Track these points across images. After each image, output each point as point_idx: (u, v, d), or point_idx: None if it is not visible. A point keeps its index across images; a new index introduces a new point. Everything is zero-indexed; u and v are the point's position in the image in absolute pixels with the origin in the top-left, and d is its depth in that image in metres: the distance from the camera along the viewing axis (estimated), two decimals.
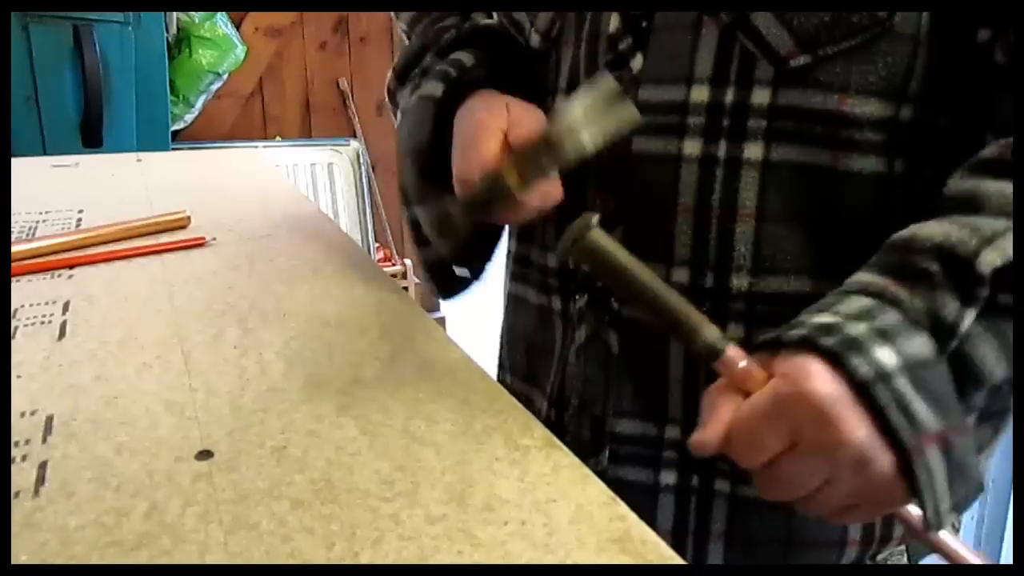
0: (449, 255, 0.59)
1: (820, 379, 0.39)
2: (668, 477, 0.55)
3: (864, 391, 0.38)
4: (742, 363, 0.42)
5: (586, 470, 0.41)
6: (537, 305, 0.63)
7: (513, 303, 0.68)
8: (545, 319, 0.62)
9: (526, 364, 0.66)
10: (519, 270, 0.66)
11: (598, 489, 0.40)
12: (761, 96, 0.49)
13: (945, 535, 0.42)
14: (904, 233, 0.43)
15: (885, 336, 0.39)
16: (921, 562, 0.58)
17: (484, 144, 0.52)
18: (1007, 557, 1.50)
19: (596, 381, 0.57)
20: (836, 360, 0.39)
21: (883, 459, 0.39)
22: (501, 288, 0.72)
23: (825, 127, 0.48)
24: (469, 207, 0.52)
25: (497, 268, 0.72)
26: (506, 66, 0.60)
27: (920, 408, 0.38)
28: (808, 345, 0.40)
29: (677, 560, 0.35)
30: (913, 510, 0.42)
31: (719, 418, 0.42)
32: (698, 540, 0.55)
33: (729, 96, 0.50)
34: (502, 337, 0.71)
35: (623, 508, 0.38)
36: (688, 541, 0.55)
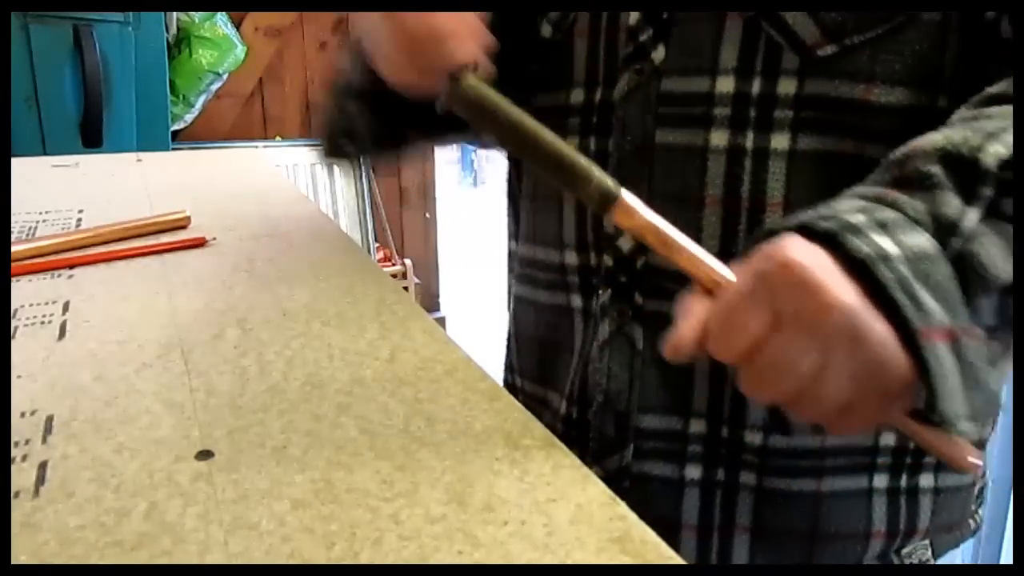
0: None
1: (799, 248, 0.36)
2: (693, 471, 0.55)
3: (863, 269, 0.35)
4: (647, 215, 0.40)
5: (586, 470, 0.41)
6: (550, 305, 0.63)
7: (521, 305, 0.68)
8: (561, 318, 0.62)
9: (540, 366, 0.66)
10: (526, 272, 0.65)
11: (598, 489, 0.40)
12: (787, 86, 0.49)
13: (947, 439, 0.38)
14: (903, 147, 0.41)
15: (884, 227, 0.36)
16: (942, 558, 0.58)
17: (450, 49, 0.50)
18: (1007, 557, 1.50)
19: (620, 376, 0.56)
20: (834, 240, 0.36)
21: (877, 327, 0.35)
22: (502, 289, 0.72)
23: (851, 116, 0.48)
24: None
25: (499, 271, 0.72)
26: (516, 52, 0.59)
27: (925, 296, 0.35)
28: (805, 229, 0.37)
29: (677, 560, 0.35)
30: (927, 433, 0.38)
31: (693, 314, 0.39)
32: (724, 534, 0.55)
33: (755, 87, 0.49)
34: (510, 340, 0.70)
35: (623, 508, 0.38)
36: (714, 535, 0.55)
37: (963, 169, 0.38)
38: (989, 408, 0.37)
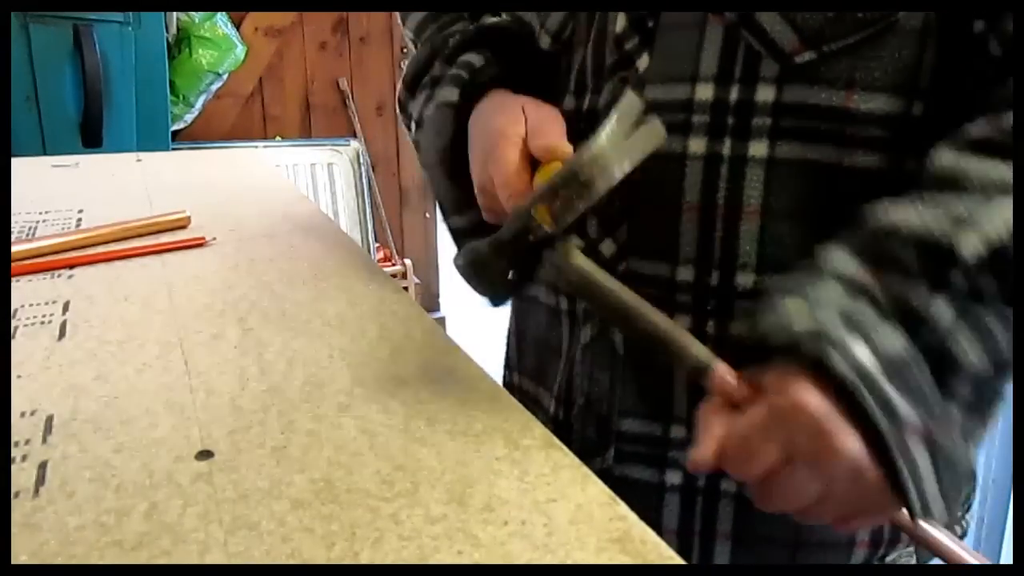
0: (488, 295, 0.57)
1: (812, 394, 0.40)
2: (674, 477, 0.55)
3: (847, 395, 0.39)
4: (730, 378, 0.43)
5: (586, 470, 0.41)
6: (545, 304, 0.63)
7: (520, 303, 0.68)
8: (553, 318, 0.62)
9: (535, 364, 0.66)
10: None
11: (598, 489, 0.40)
12: (766, 94, 0.49)
13: (944, 536, 0.43)
14: (884, 218, 0.44)
15: (859, 329, 0.40)
16: (929, 564, 0.58)
17: (504, 154, 0.51)
18: (1007, 557, 1.50)
19: (602, 380, 0.57)
20: (820, 364, 0.40)
21: (873, 470, 0.40)
22: None
23: (830, 124, 0.48)
24: (499, 248, 0.50)
25: None
26: (517, 64, 0.59)
27: (902, 406, 0.39)
28: (792, 350, 0.41)
29: (677, 560, 0.35)
30: (935, 532, 0.43)
31: (712, 434, 0.43)
32: (704, 540, 0.55)
33: (734, 94, 0.50)
34: (509, 337, 0.71)
35: (623, 508, 0.38)
36: (694, 541, 0.55)
37: (937, 258, 0.41)
38: (961, 484, 0.41)
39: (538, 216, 0.47)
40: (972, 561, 0.43)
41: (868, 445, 0.40)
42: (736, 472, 0.43)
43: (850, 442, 0.40)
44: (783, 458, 0.41)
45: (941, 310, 0.40)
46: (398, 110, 0.69)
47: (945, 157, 0.44)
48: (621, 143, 0.46)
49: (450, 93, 0.58)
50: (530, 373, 0.67)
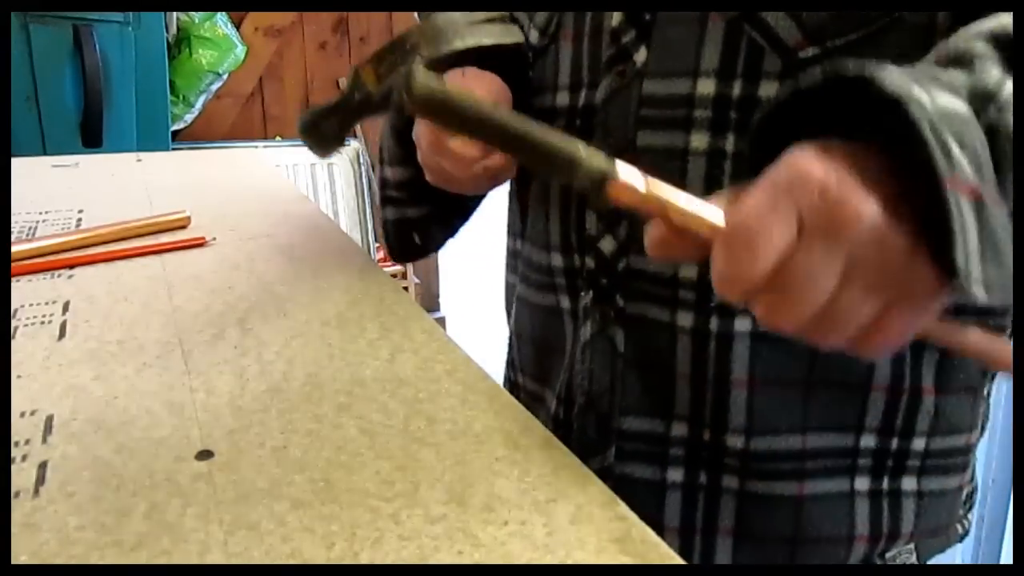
0: (320, 151, 0.63)
1: (817, 161, 0.33)
2: (675, 474, 0.55)
3: (893, 109, 0.32)
4: (640, 182, 0.35)
5: (586, 470, 0.41)
6: (543, 305, 0.63)
7: (520, 303, 0.68)
8: (554, 318, 0.62)
9: (537, 364, 0.66)
10: (522, 270, 0.66)
11: (598, 489, 0.40)
12: (769, 89, 0.49)
13: (984, 336, 0.35)
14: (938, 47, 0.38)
15: (918, 81, 0.33)
16: (929, 562, 0.58)
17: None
18: (1007, 557, 1.50)
19: (602, 378, 0.57)
20: (862, 81, 0.33)
21: (903, 234, 0.33)
22: (501, 289, 0.72)
23: None
24: (331, 108, 0.54)
25: (499, 271, 0.72)
26: (504, 60, 0.60)
27: (955, 149, 0.32)
28: (832, 71, 0.34)
29: (677, 560, 0.35)
30: (978, 335, 0.34)
31: (706, 221, 0.35)
32: (706, 537, 0.55)
33: (736, 89, 0.49)
34: (511, 337, 0.71)
35: (623, 508, 0.38)
36: (696, 538, 0.55)
37: (1009, 45, 0.36)
38: (1003, 283, 0.33)
39: (364, 77, 0.50)
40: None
41: (903, 198, 0.33)
42: (743, 265, 0.34)
43: (867, 205, 0.32)
44: (791, 238, 0.33)
45: (1010, 93, 0.34)
46: None
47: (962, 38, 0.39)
48: (461, 24, 0.47)
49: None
50: (533, 373, 0.67)
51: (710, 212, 0.35)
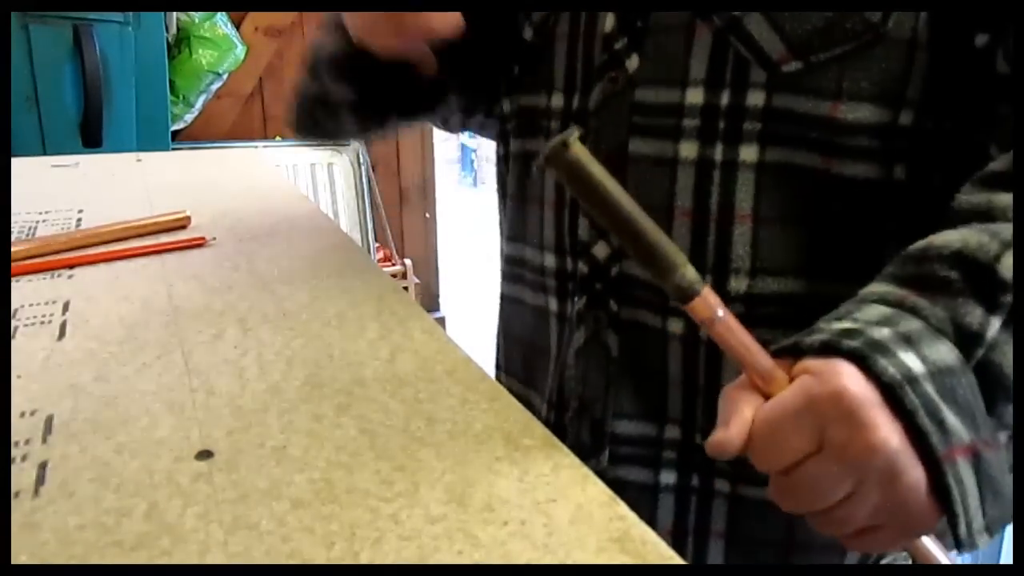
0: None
1: (852, 379, 0.36)
2: (668, 477, 0.55)
3: (892, 393, 0.36)
4: (719, 311, 0.39)
5: (586, 470, 0.41)
6: (533, 306, 0.63)
7: (508, 304, 0.68)
8: (541, 320, 0.62)
9: (523, 366, 0.66)
10: (513, 271, 0.66)
11: (598, 489, 0.40)
12: (755, 99, 0.49)
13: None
14: (919, 244, 0.41)
15: (909, 341, 0.37)
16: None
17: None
18: (1007, 557, 1.50)
19: (596, 383, 0.57)
20: (862, 361, 0.36)
21: (914, 472, 0.36)
22: (498, 289, 0.72)
23: (818, 132, 0.48)
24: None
25: (498, 271, 0.72)
26: (498, 54, 0.60)
27: (949, 416, 0.36)
28: (830, 349, 0.38)
29: (677, 560, 0.35)
30: (930, 546, 0.39)
31: (742, 417, 0.39)
32: (698, 540, 0.55)
33: (724, 99, 0.49)
34: (498, 338, 0.71)
35: (623, 508, 0.38)
36: (688, 541, 0.55)
37: (982, 276, 0.38)
38: (1005, 517, 0.38)
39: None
40: None
41: (916, 452, 0.36)
42: (761, 460, 0.39)
43: (891, 437, 0.35)
44: (813, 448, 0.37)
45: (995, 329, 0.37)
46: None
47: (971, 195, 0.43)
48: None
49: None
50: (518, 375, 0.67)
51: (763, 362, 0.39)
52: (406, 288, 2.78)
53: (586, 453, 0.57)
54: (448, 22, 0.56)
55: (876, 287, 0.41)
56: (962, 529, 0.36)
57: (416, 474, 0.41)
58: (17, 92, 1.98)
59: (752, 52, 0.48)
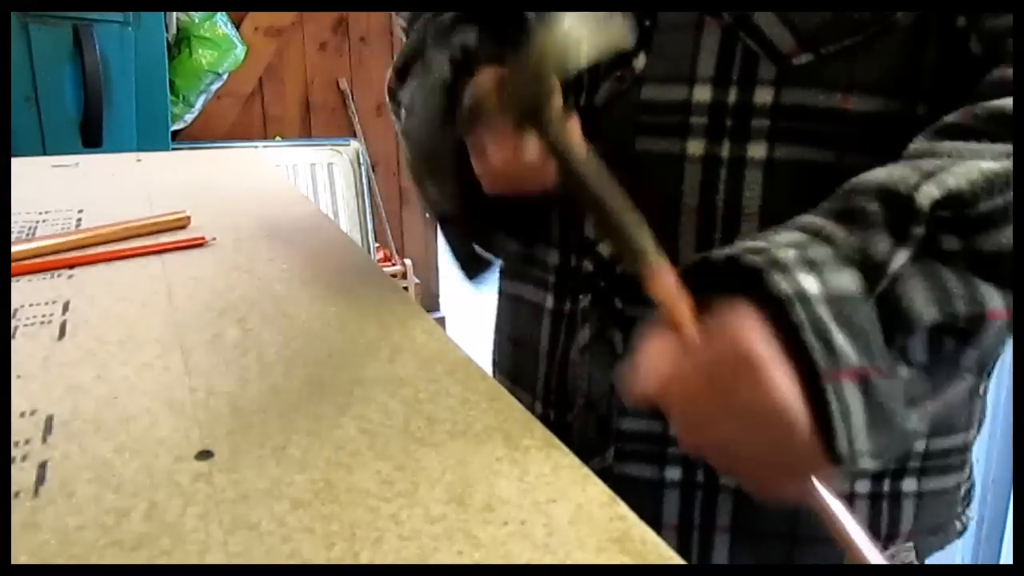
0: (439, 197, 0.57)
1: (754, 336, 0.37)
2: (673, 473, 0.55)
3: (780, 309, 0.37)
4: (669, 280, 0.41)
5: (586, 470, 0.41)
6: (531, 302, 0.63)
7: (504, 301, 0.68)
8: (534, 317, 0.62)
9: (511, 363, 0.66)
10: (519, 267, 0.66)
11: (598, 489, 0.40)
12: (764, 95, 0.49)
13: (853, 528, 0.39)
14: (853, 179, 0.42)
15: (812, 265, 0.38)
16: (929, 560, 0.58)
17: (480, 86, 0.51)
18: (1007, 557, 1.50)
19: (601, 380, 0.57)
20: (759, 276, 0.38)
21: (803, 416, 0.37)
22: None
23: (828, 125, 0.48)
24: (448, 132, 0.51)
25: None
26: (510, 41, 0.59)
27: (839, 339, 0.37)
28: (732, 262, 0.39)
29: (677, 560, 0.35)
30: (823, 491, 0.39)
31: (655, 369, 0.40)
32: (704, 535, 0.55)
33: (732, 96, 0.50)
34: (493, 336, 0.71)
35: (623, 508, 0.38)
36: (694, 536, 0.55)
37: (898, 208, 0.38)
38: (896, 447, 0.39)
39: (486, 98, 0.47)
40: (874, 560, 0.39)
41: (801, 384, 0.37)
42: (669, 412, 0.41)
43: (785, 388, 0.37)
44: (720, 405, 0.38)
45: (901, 261, 0.38)
46: (387, 99, 0.68)
47: (917, 142, 0.43)
48: (577, 35, 0.45)
49: (441, 70, 0.57)
50: (506, 372, 0.67)
51: (688, 314, 0.41)
52: (406, 288, 2.78)
53: (592, 450, 0.57)
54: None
55: (803, 217, 0.42)
56: (841, 443, 0.36)
57: (416, 474, 0.41)
58: (17, 92, 1.98)
59: (762, 46, 0.48)
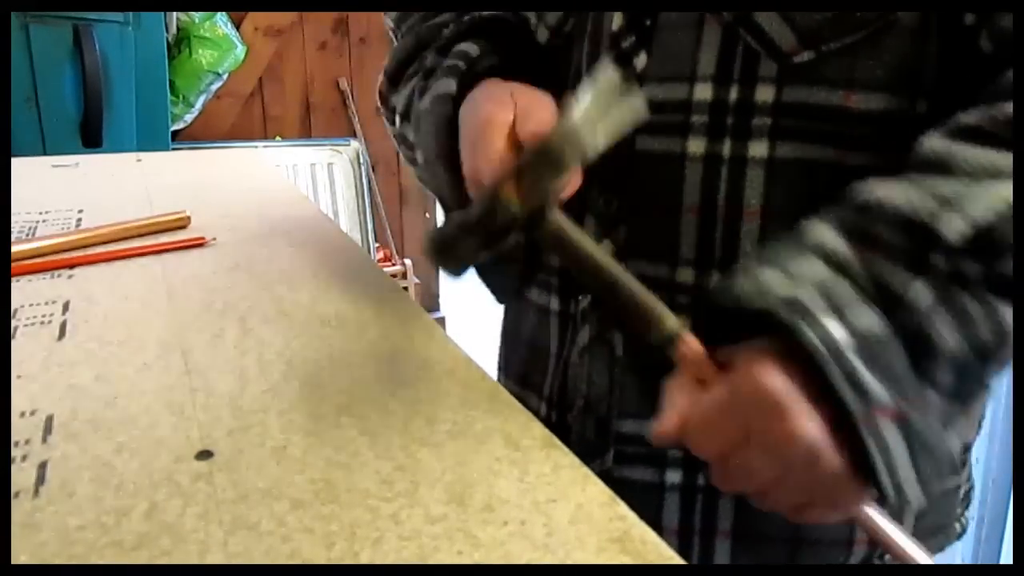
0: (458, 274, 0.56)
1: (776, 376, 0.39)
2: (674, 476, 0.55)
3: (814, 368, 0.38)
4: (696, 349, 0.43)
5: (586, 470, 0.41)
6: (537, 304, 0.63)
7: (515, 304, 0.68)
8: (543, 320, 0.62)
9: (521, 367, 0.66)
10: (524, 269, 0.65)
11: (598, 489, 0.40)
12: (765, 94, 0.49)
13: (907, 540, 0.42)
14: (870, 194, 0.42)
15: (836, 309, 0.39)
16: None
17: (491, 141, 0.49)
18: (1007, 557, 1.50)
19: (601, 382, 0.57)
20: (789, 332, 0.39)
21: (833, 457, 0.39)
22: None
23: (830, 124, 0.48)
24: (467, 229, 0.47)
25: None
26: (515, 55, 0.58)
27: (871, 383, 0.38)
28: (768, 316, 0.40)
29: (677, 560, 0.35)
30: (873, 514, 0.42)
31: (676, 409, 0.43)
32: (704, 538, 0.55)
33: (733, 94, 0.49)
34: (502, 339, 0.71)
35: (623, 508, 0.38)
36: (694, 540, 0.55)
37: (922, 239, 0.40)
38: (941, 471, 0.40)
39: (504, 196, 0.45)
40: (924, 559, 0.42)
41: (835, 428, 0.39)
42: (695, 449, 0.43)
43: (808, 426, 0.39)
44: (741, 439, 0.40)
45: (920, 293, 0.39)
46: (378, 102, 0.68)
47: (934, 142, 0.43)
48: (595, 119, 0.44)
49: (447, 85, 0.56)
50: (515, 376, 0.67)
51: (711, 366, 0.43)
52: (406, 288, 2.78)
53: (591, 453, 0.57)
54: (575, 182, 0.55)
55: (820, 231, 0.43)
56: (884, 480, 0.38)
57: (416, 474, 0.41)
58: (17, 92, 1.98)
59: (762, 44, 0.48)
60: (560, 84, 0.58)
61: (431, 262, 0.52)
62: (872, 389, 0.38)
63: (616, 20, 0.53)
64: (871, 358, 0.38)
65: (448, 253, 0.48)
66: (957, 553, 1.49)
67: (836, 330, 0.39)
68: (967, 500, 0.61)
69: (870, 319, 0.39)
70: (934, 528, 0.57)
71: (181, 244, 0.77)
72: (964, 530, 0.60)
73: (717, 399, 0.41)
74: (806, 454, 0.39)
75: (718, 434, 0.41)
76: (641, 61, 0.52)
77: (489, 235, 0.46)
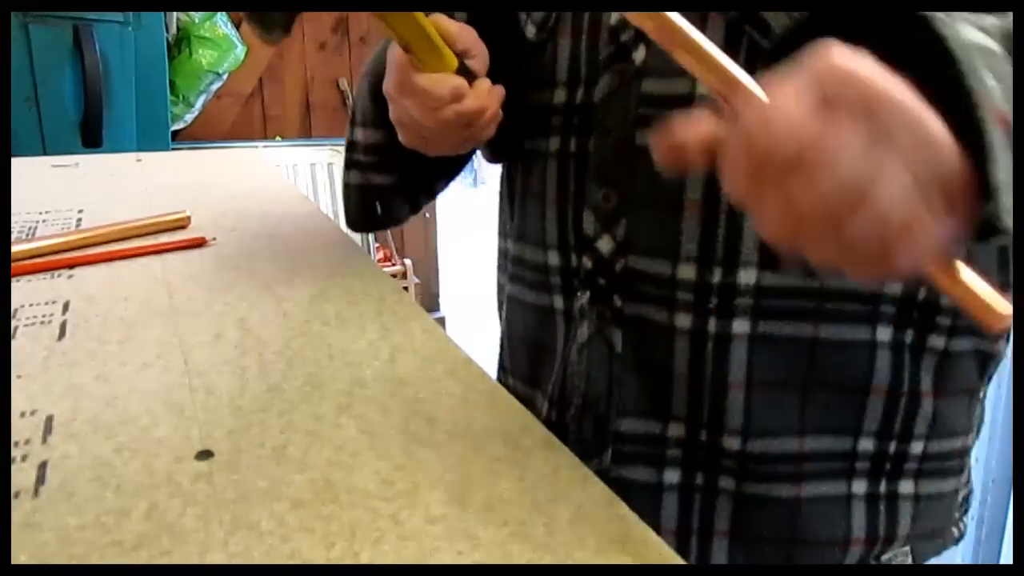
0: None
1: (846, 51, 0.30)
2: (672, 476, 0.55)
3: (930, 43, 0.32)
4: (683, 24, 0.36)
5: (586, 470, 0.41)
6: (535, 305, 0.63)
7: (511, 304, 0.68)
8: (546, 319, 0.62)
9: (528, 366, 0.66)
10: (515, 270, 0.66)
11: (598, 489, 0.40)
12: None
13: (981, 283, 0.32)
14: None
15: (949, 17, 0.34)
16: (925, 563, 0.58)
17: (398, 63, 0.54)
18: (1007, 557, 1.50)
19: (599, 380, 0.56)
20: (902, 20, 0.33)
21: (937, 125, 0.30)
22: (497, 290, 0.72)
23: None
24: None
25: (493, 269, 0.72)
26: (502, 51, 0.59)
27: (987, 75, 0.32)
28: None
29: (677, 560, 0.35)
30: (966, 273, 0.32)
31: (700, 125, 0.34)
32: (702, 539, 0.55)
33: None
34: (502, 340, 0.71)
35: (623, 508, 0.38)
36: (692, 540, 0.55)
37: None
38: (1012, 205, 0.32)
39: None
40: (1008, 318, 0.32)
41: (939, 109, 0.30)
42: (760, 141, 0.30)
43: (901, 89, 0.30)
44: (822, 115, 0.30)
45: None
46: (344, 152, 0.70)
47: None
48: None
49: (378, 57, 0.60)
50: (523, 376, 0.67)
51: (746, 78, 0.33)
52: (406, 288, 2.78)
53: (589, 451, 0.57)
54: (495, 118, 0.57)
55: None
56: (999, 171, 0.30)
57: (416, 474, 0.41)
58: (17, 92, 1.99)
59: (767, 38, 0.48)
60: (547, 82, 0.59)
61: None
62: (989, 83, 0.32)
63: (615, 14, 0.53)
64: (987, 62, 0.33)
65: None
66: (957, 553, 1.49)
67: (947, 29, 0.33)
68: (966, 505, 0.61)
69: (986, 38, 0.35)
70: (931, 531, 0.57)
71: (181, 244, 0.77)
72: (962, 535, 0.60)
73: (775, 91, 0.31)
74: (908, 116, 0.30)
75: (787, 116, 0.30)
76: (640, 55, 0.52)
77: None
